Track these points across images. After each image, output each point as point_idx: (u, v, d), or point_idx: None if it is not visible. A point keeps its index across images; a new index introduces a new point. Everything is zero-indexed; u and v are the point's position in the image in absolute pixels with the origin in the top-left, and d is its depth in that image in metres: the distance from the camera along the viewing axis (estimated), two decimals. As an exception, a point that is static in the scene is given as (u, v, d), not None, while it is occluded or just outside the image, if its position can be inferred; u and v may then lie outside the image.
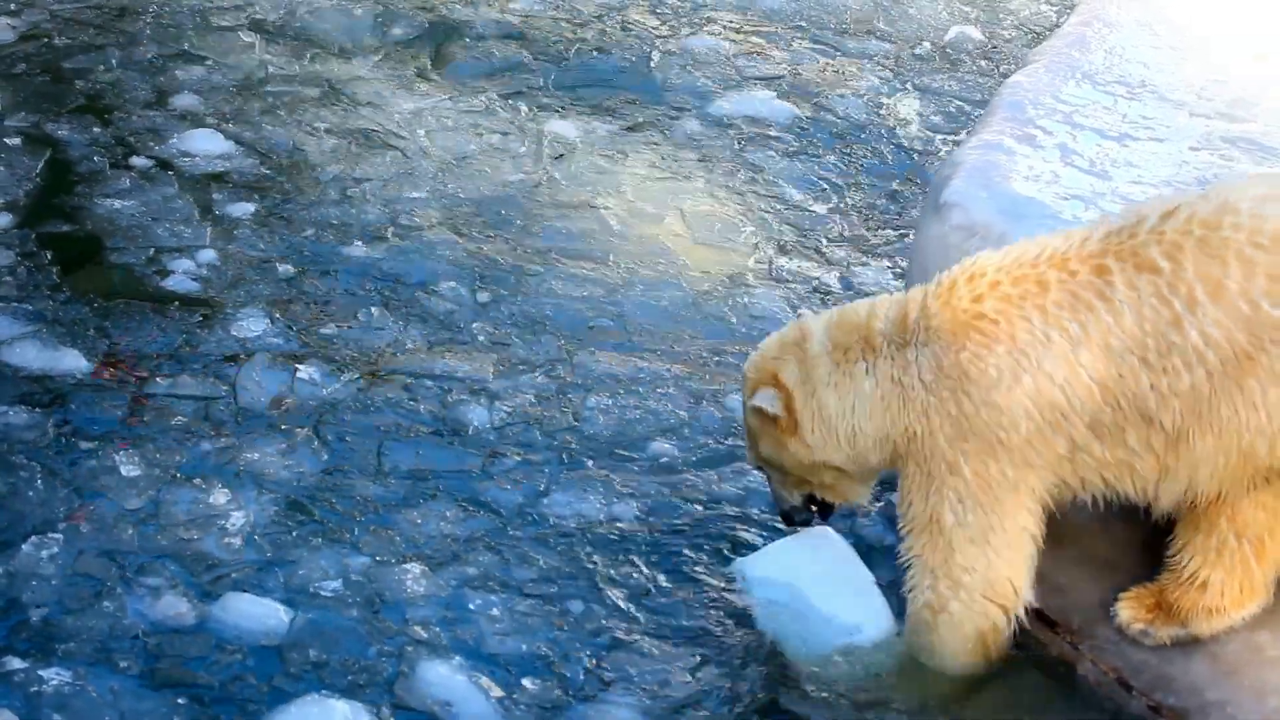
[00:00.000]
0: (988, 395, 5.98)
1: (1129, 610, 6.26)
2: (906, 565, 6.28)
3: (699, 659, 6.45)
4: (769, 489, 6.69)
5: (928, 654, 6.35)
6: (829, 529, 6.80)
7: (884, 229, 9.54)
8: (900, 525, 6.28)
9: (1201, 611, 6.12)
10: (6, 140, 9.55)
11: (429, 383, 7.91)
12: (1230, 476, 5.88)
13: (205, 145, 9.75)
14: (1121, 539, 6.52)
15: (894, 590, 6.51)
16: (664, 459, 7.50)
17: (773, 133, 10.42)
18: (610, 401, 7.85)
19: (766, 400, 6.31)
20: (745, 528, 7.12)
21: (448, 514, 7.07)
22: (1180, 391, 5.82)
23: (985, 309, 6.01)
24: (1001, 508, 6.09)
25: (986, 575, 6.16)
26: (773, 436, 6.39)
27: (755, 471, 7.14)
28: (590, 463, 7.46)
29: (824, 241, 9.34)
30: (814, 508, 6.66)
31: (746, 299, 8.71)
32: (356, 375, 7.91)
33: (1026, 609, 6.23)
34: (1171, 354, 5.80)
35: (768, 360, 6.39)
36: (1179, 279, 5.78)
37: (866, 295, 8.41)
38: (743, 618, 6.64)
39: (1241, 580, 6.06)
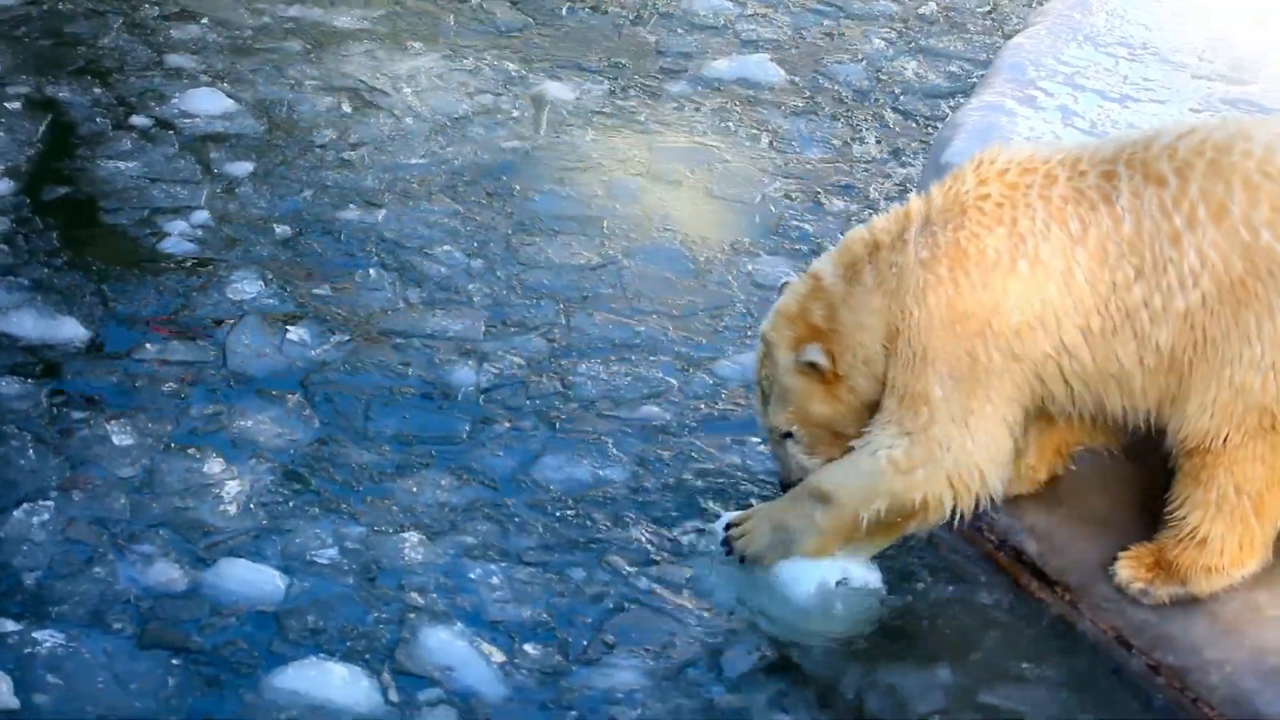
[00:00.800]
0: (985, 276, 5.97)
1: (1128, 569, 6.20)
2: (881, 425, 6.21)
3: (701, 620, 6.40)
4: (778, 459, 6.59)
5: (868, 498, 6.21)
6: None
7: (887, 189, 9.49)
8: (885, 398, 6.22)
9: (1200, 570, 6.07)
10: (7, 105, 9.55)
11: (419, 343, 7.87)
12: (1224, 414, 5.83)
13: (206, 105, 9.75)
14: (1121, 497, 6.51)
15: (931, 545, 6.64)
16: (655, 423, 7.44)
17: (771, 96, 10.39)
18: (601, 366, 7.80)
19: (815, 354, 6.23)
20: (737, 490, 7.06)
21: (441, 481, 7.01)
22: (1174, 313, 5.80)
23: (989, 191, 6.03)
24: (986, 393, 6.04)
25: (959, 457, 6.10)
26: (822, 392, 6.32)
27: (752, 439, 7.18)
28: (580, 426, 7.40)
29: (827, 203, 9.30)
30: None
31: (749, 265, 8.65)
32: (346, 337, 7.87)
33: (978, 500, 6.18)
34: (1168, 270, 5.79)
35: (794, 316, 6.33)
36: (1183, 195, 5.77)
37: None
38: (743, 576, 6.54)
39: (1241, 537, 6.00)
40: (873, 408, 6.31)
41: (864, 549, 6.37)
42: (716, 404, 7.59)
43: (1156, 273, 5.80)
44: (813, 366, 6.27)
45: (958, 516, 6.21)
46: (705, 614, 6.42)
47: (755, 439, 7.23)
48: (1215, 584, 6.10)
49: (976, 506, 6.22)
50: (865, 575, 6.41)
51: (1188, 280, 5.77)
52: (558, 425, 7.39)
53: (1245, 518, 5.97)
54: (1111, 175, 5.90)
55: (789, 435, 6.46)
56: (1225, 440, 5.86)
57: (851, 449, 6.31)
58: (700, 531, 6.76)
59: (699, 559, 6.64)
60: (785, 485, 6.59)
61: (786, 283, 6.53)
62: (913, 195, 6.34)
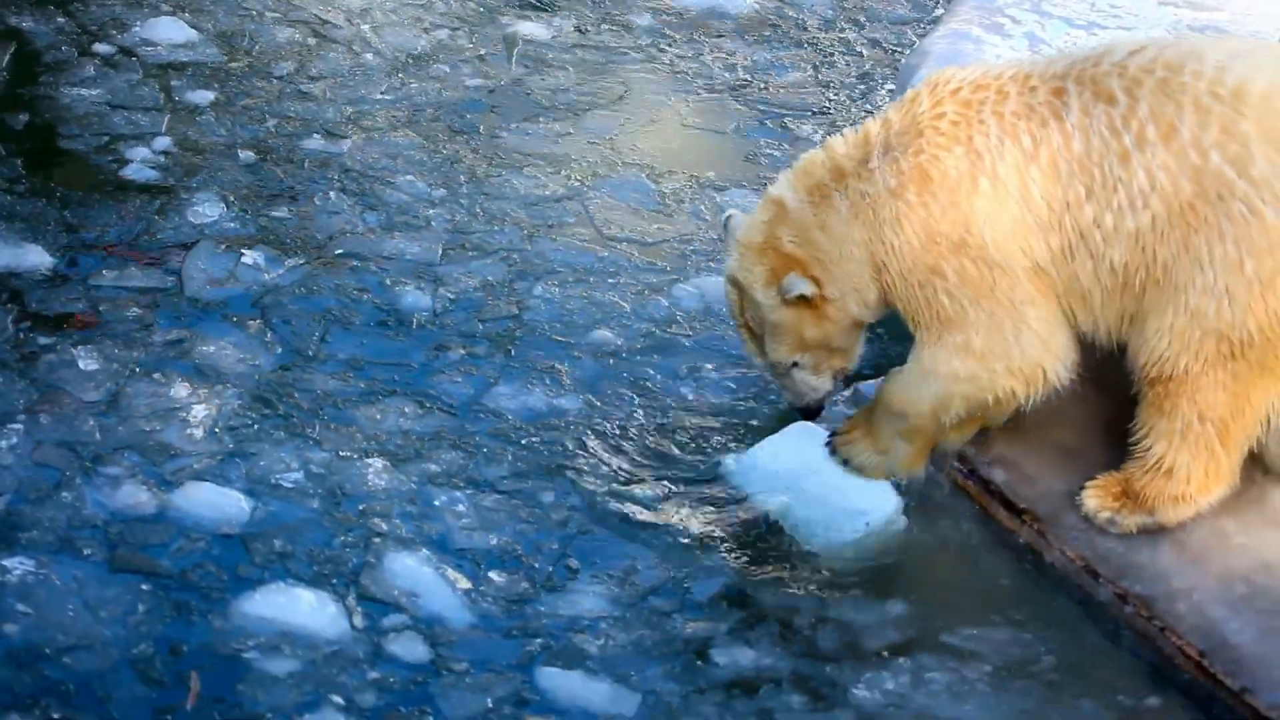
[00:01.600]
0: (951, 195, 5.98)
1: (1095, 499, 6.21)
2: (924, 344, 6.23)
3: (665, 547, 6.39)
4: (787, 389, 6.58)
5: (943, 404, 6.26)
6: (816, 425, 6.75)
7: (856, 117, 9.40)
8: (911, 325, 6.25)
9: (1168, 499, 6.08)
10: (-28, 36, 9.45)
11: (374, 267, 7.85)
12: (1181, 341, 5.84)
13: (167, 33, 9.63)
14: (1088, 428, 6.50)
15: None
16: (607, 348, 7.41)
17: (739, 26, 10.31)
18: (558, 289, 7.77)
19: (801, 285, 6.19)
20: (692, 415, 7.06)
21: (401, 408, 6.98)
22: (1125, 233, 5.83)
23: (944, 110, 6.03)
24: (994, 301, 6.04)
25: (1010, 357, 6.10)
26: (814, 317, 6.29)
27: (706, 365, 7.23)
28: (533, 352, 7.37)
29: (797, 130, 9.26)
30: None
31: (719, 196, 8.58)
32: (303, 260, 7.84)
33: (1055, 384, 6.19)
34: (1118, 190, 5.81)
35: (761, 246, 6.28)
36: (1133, 115, 5.78)
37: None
38: (707, 505, 6.60)
39: (1207, 465, 6.01)
40: (855, 323, 6.36)
41: (953, 440, 6.43)
42: (670, 328, 7.57)
43: (1106, 192, 5.82)
44: (801, 298, 6.22)
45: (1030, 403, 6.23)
46: (668, 542, 6.41)
47: (709, 365, 7.29)
48: (1182, 513, 6.11)
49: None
50: (889, 509, 6.49)
51: (1137, 201, 5.78)
52: (512, 352, 7.36)
53: (1210, 445, 5.98)
54: (1061, 91, 5.91)
55: (795, 364, 6.44)
56: (1185, 368, 5.86)
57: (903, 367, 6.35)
58: (664, 458, 6.80)
59: (663, 484, 6.66)
60: (803, 411, 6.59)
61: (730, 215, 6.49)
62: (869, 119, 6.31)
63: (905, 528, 6.48)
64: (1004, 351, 6.07)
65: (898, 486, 6.53)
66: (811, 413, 6.61)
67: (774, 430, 6.86)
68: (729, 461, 6.75)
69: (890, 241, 6.09)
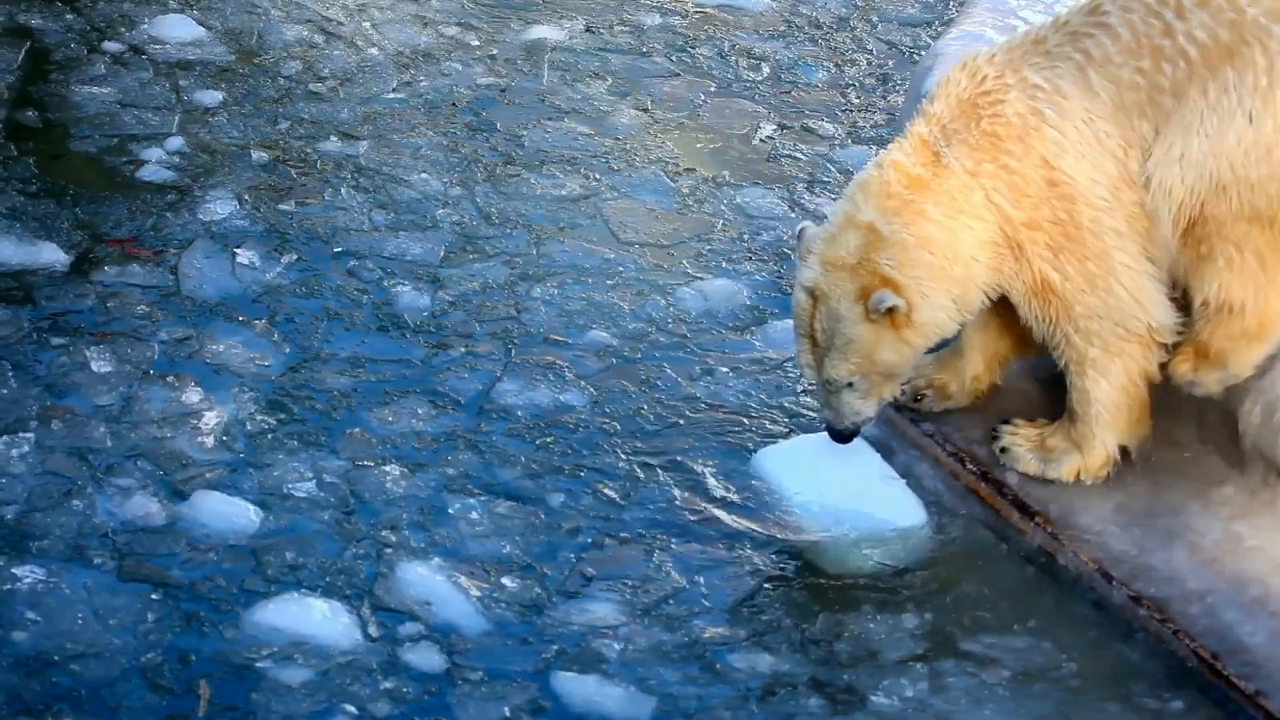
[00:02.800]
0: (1023, 144, 6.01)
1: (1178, 362, 6.21)
2: (1042, 334, 6.26)
3: (681, 551, 6.37)
4: (830, 408, 6.43)
5: (1083, 399, 6.28)
6: None
7: (872, 114, 9.44)
8: (1022, 308, 6.23)
9: (1237, 338, 6.05)
10: (-14, 34, 9.46)
11: (371, 265, 7.83)
12: (1196, 171, 5.87)
13: (176, 31, 9.67)
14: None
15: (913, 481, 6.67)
16: (605, 349, 7.40)
17: (752, 23, 10.29)
18: (557, 291, 7.75)
19: (892, 299, 6.08)
20: (706, 417, 7.04)
21: (418, 411, 6.97)
22: (1163, 90, 5.92)
23: (985, 75, 6.11)
24: (1089, 250, 6.05)
25: (1112, 319, 6.11)
26: (890, 338, 6.18)
27: (697, 368, 7.26)
28: (532, 353, 7.35)
29: (817, 130, 9.23)
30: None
31: (736, 197, 8.56)
32: (299, 258, 7.85)
33: (1165, 339, 6.19)
34: (1160, 58, 5.89)
35: (854, 266, 6.15)
36: None
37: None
38: (724, 509, 6.57)
39: (1258, 293, 5.99)
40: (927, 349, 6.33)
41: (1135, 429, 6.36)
42: (666, 327, 7.56)
43: (1156, 64, 5.90)
44: (890, 312, 6.12)
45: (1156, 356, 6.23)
46: (683, 547, 6.38)
47: (724, 368, 7.29)
48: (1254, 353, 6.09)
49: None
50: (914, 518, 6.50)
51: (1177, 57, 5.88)
52: (512, 352, 7.34)
53: (1257, 276, 5.96)
54: (1097, 8, 6.05)
55: (849, 385, 6.33)
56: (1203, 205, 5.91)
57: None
58: (673, 460, 6.80)
59: (676, 488, 6.64)
60: (836, 433, 6.49)
61: (805, 227, 6.37)
62: (908, 126, 6.26)
63: (931, 535, 6.46)
64: (1104, 311, 6.10)
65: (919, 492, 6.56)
66: (845, 437, 6.50)
67: (790, 434, 6.87)
68: (756, 458, 6.74)
69: (988, 220, 6.08)
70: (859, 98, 9.63)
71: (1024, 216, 6.05)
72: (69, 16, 9.68)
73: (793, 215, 8.39)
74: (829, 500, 6.53)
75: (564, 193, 8.51)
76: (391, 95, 9.29)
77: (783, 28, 10.28)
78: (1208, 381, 6.15)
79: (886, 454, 6.74)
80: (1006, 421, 6.58)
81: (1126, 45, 5.94)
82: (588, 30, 10.13)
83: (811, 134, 9.22)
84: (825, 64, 9.91)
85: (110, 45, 9.45)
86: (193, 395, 6.94)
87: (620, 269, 7.92)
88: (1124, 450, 6.37)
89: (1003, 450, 6.49)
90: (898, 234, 6.10)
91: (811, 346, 6.30)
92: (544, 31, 10.10)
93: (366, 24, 9.98)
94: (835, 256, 6.17)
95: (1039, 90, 6.02)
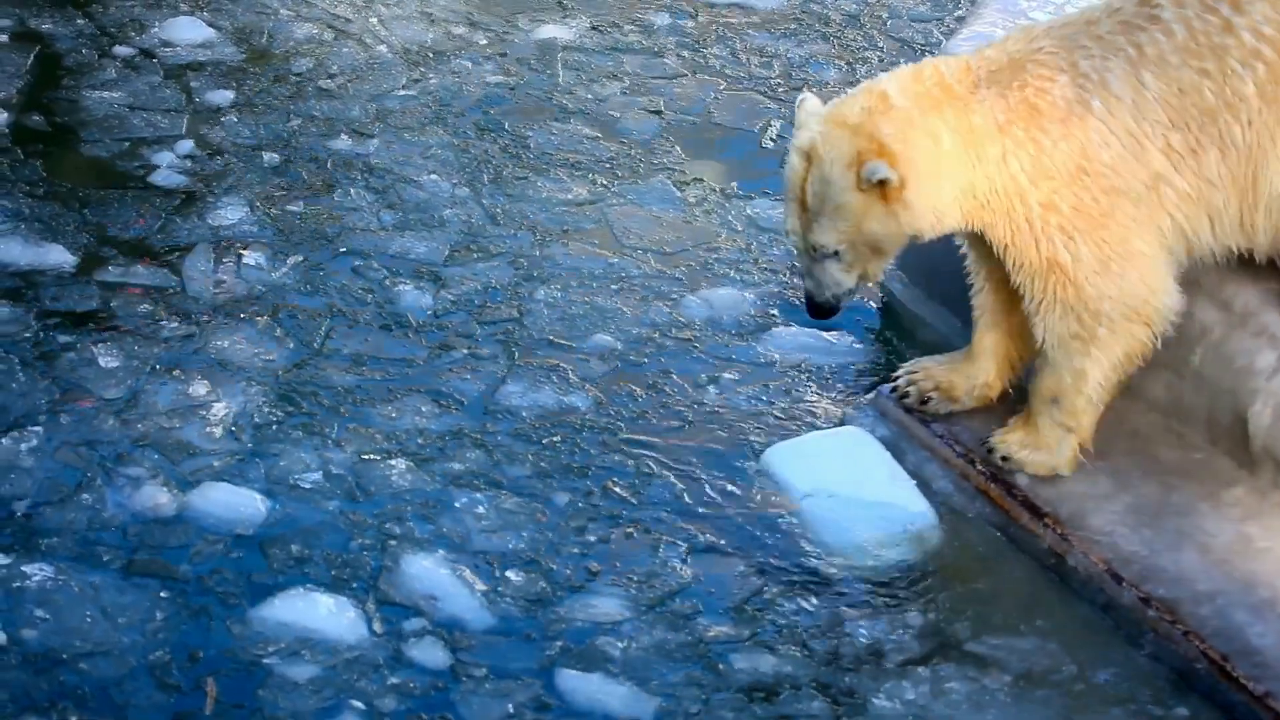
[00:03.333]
0: (1063, 127, 5.98)
1: None
2: (1036, 309, 6.21)
3: (687, 550, 6.38)
4: (811, 277, 6.33)
5: (1079, 377, 6.24)
6: (856, 428, 6.80)
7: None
8: (1017, 277, 6.21)
9: None
10: (-3, 37, 9.48)
11: (376, 265, 7.87)
12: None
13: (186, 34, 9.66)
14: (1111, 432, 6.47)
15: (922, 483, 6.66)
16: (605, 353, 7.41)
17: (763, 21, 10.29)
18: (559, 294, 7.76)
19: (885, 170, 6.00)
20: (715, 420, 7.06)
21: (423, 408, 7.00)
22: (1245, 96, 5.85)
23: (1041, 45, 6.06)
24: (1109, 235, 6.03)
25: (1123, 300, 6.09)
26: (883, 211, 6.10)
27: (704, 375, 7.26)
28: (535, 353, 7.38)
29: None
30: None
31: (745, 203, 8.56)
32: (303, 258, 7.87)
33: (1170, 321, 6.19)
34: (1227, 57, 5.84)
35: (856, 128, 6.07)
36: None
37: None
38: (731, 509, 6.59)
39: None
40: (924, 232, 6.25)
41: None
42: (670, 332, 7.57)
43: (1218, 62, 5.86)
44: (881, 183, 6.06)
45: (1157, 338, 6.22)
46: (689, 543, 6.41)
47: (728, 374, 7.30)
48: None
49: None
50: (926, 517, 6.51)
51: (1249, 59, 5.84)
52: (515, 354, 7.37)
53: None
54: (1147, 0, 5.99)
55: (834, 254, 6.24)
56: None
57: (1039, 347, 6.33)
58: (679, 458, 6.82)
59: (682, 485, 6.67)
60: (814, 305, 6.40)
61: (805, 96, 6.32)
62: (959, 52, 6.31)
63: (941, 534, 6.46)
64: (1115, 294, 6.08)
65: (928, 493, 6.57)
66: (824, 312, 6.40)
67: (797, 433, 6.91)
68: (764, 456, 6.75)
69: (995, 179, 6.06)
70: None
71: (1041, 196, 6.03)
72: (80, 21, 9.66)
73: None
74: (837, 499, 6.53)
75: (570, 196, 8.51)
76: (402, 93, 9.30)
77: (793, 25, 10.26)
78: None
79: (896, 455, 6.72)
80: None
81: (1183, 44, 5.90)
82: (597, 29, 10.12)
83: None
84: (837, 62, 9.91)
85: (121, 49, 9.44)
86: (199, 389, 6.98)
87: (624, 274, 7.93)
88: None
89: (1005, 459, 6.48)
90: (908, 111, 6.06)
91: (800, 211, 6.20)
92: (553, 30, 10.09)
93: (374, 20, 9.96)
94: (839, 114, 6.12)
95: (1089, 80, 5.98)
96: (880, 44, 10.09)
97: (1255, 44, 5.82)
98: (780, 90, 9.58)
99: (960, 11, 10.16)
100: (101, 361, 7.05)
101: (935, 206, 6.11)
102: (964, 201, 6.11)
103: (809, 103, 6.26)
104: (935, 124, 6.06)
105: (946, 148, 6.05)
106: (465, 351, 7.35)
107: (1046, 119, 6.00)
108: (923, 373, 6.77)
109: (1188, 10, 5.91)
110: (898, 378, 6.82)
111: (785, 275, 7.95)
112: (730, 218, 8.41)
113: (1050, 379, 6.30)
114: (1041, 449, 6.41)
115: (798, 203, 6.20)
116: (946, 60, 6.21)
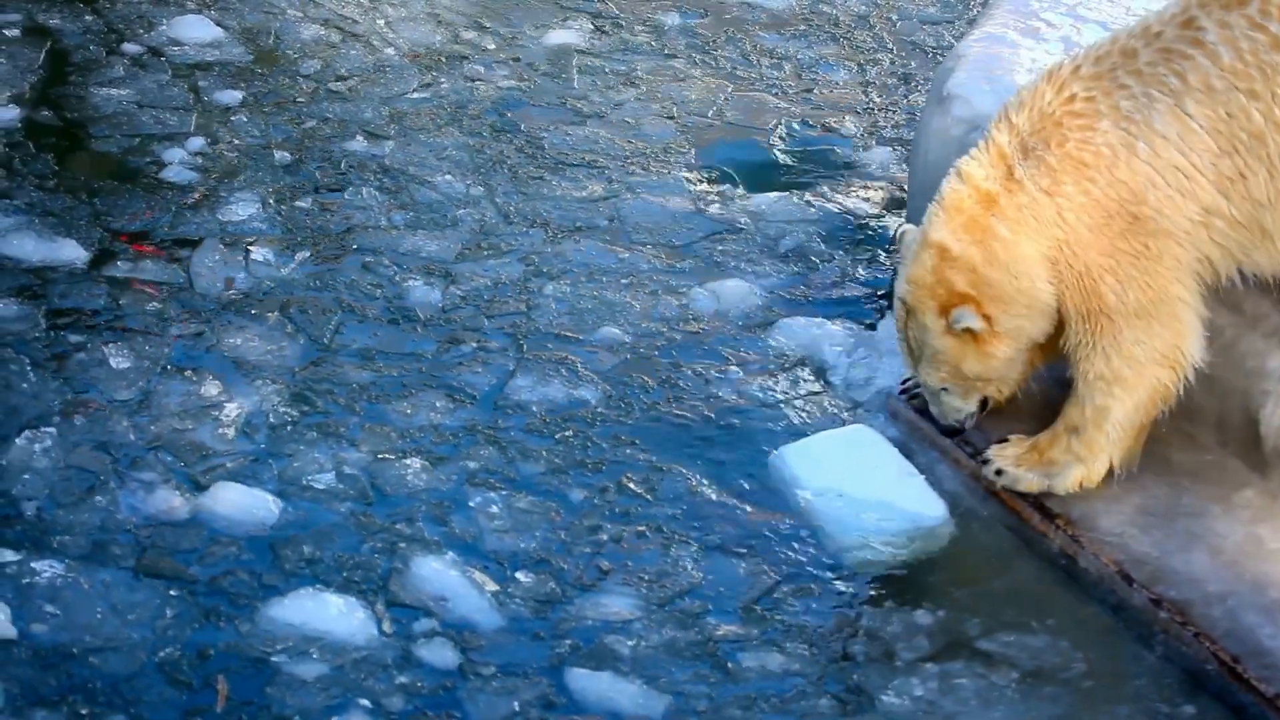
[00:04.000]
0: (1110, 174, 5.95)
1: None
2: (1076, 349, 6.23)
3: (698, 548, 6.40)
4: (936, 408, 6.55)
5: (1100, 414, 6.25)
6: (865, 426, 6.84)
7: (894, 114, 9.47)
8: (1071, 322, 6.21)
9: None
10: (6, 32, 9.51)
11: (386, 263, 7.91)
12: None
13: (194, 32, 9.73)
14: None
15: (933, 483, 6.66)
16: (613, 346, 7.45)
17: (773, 22, 10.30)
18: (569, 289, 7.80)
19: (970, 319, 6.15)
20: (726, 414, 7.09)
21: (437, 404, 7.04)
22: None
23: (1075, 93, 6.00)
24: (1155, 281, 6.02)
25: (1154, 345, 6.10)
26: (974, 350, 6.25)
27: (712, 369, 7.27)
28: (542, 350, 7.41)
29: (834, 127, 9.32)
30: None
31: (754, 198, 8.60)
32: (310, 255, 7.92)
33: (1195, 369, 6.20)
34: (1276, 75, 5.76)
35: (935, 286, 6.22)
36: (1269, 4, 5.76)
37: (876, 181, 8.39)
38: (742, 507, 6.62)
39: None
40: (1029, 352, 6.34)
41: (1133, 449, 6.37)
42: (679, 325, 7.62)
43: (1268, 84, 5.79)
44: (968, 330, 6.20)
45: (1180, 386, 6.23)
46: (701, 543, 6.42)
47: (734, 367, 7.34)
48: None
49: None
50: (937, 512, 6.52)
51: None
52: (525, 347, 7.40)
53: None
54: (1190, 22, 5.90)
55: (944, 389, 6.43)
56: None
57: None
58: (691, 455, 6.85)
59: (691, 482, 6.69)
60: (945, 429, 6.59)
61: (905, 230, 6.43)
62: (990, 131, 6.25)
63: (952, 532, 6.47)
64: (1148, 339, 6.10)
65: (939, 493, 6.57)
66: (952, 432, 6.60)
67: (807, 430, 6.94)
68: (775, 455, 6.75)
69: (1056, 238, 6.07)
70: (881, 97, 9.65)
71: (1103, 244, 6.03)
72: (88, 18, 9.71)
73: (812, 217, 8.45)
74: (849, 497, 6.53)
75: (583, 194, 8.55)
76: (414, 95, 9.34)
77: (803, 27, 10.29)
78: None
79: (906, 455, 6.74)
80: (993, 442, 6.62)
81: (1230, 67, 5.82)
82: (607, 30, 10.14)
83: (833, 133, 9.27)
84: (847, 63, 9.91)
85: (129, 47, 9.50)
86: (211, 389, 7.00)
87: (634, 269, 7.96)
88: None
89: (998, 473, 6.47)
90: (967, 252, 6.14)
91: (909, 351, 6.40)
92: (562, 31, 10.13)
93: (381, 22, 9.99)
94: (916, 275, 6.24)
95: (1131, 123, 5.93)
96: (890, 45, 10.11)
97: None
98: (790, 91, 9.59)
99: (972, 13, 10.18)
100: (113, 362, 7.07)
101: (1035, 311, 6.20)
102: (1050, 284, 6.17)
103: (908, 237, 6.37)
104: (993, 246, 6.12)
105: (1014, 253, 6.11)
106: (474, 345, 7.39)
107: (1094, 169, 5.98)
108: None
109: (1234, 30, 5.81)
110: (910, 380, 6.81)
111: (794, 265, 8.04)
112: (739, 214, 8.44)
113: (1074, 410, 6.32)
114: (1041, 468, 6.41)
115: (905, 344, 6.42)
116: (977, 158, 6.21)
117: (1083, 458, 6.33)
